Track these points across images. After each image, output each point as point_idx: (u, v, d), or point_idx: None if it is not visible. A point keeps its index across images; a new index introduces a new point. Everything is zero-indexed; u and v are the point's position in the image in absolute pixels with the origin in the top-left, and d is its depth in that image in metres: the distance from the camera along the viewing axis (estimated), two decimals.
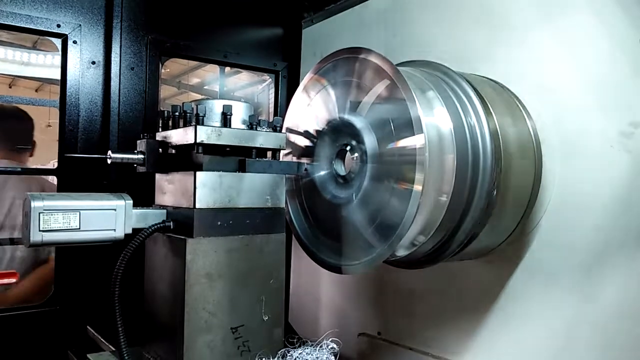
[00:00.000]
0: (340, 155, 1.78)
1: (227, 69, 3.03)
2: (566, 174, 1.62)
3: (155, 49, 2.56)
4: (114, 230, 1.64)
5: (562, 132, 1.63)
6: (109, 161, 1.74)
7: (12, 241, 2.87)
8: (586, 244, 1.55)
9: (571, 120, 1.61)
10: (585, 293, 1.55)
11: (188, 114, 1.72)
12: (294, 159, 1.94)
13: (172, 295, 1.68)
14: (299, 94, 1.95)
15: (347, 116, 1.73)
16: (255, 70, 3.07)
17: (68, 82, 2.38)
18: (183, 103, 1.75)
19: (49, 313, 2.37)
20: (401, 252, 1.62)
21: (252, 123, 1.76)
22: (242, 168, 1.71)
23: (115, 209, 1.63)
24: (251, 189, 1.73)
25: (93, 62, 2.44)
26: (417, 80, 1.64)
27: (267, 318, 1.74)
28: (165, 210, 1.76)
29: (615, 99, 1.51)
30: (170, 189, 1.77)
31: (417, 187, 1.43)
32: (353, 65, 1.70)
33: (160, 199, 1.84)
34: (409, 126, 1.46)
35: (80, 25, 2.39)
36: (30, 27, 2.28)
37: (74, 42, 2.38)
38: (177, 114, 1.80)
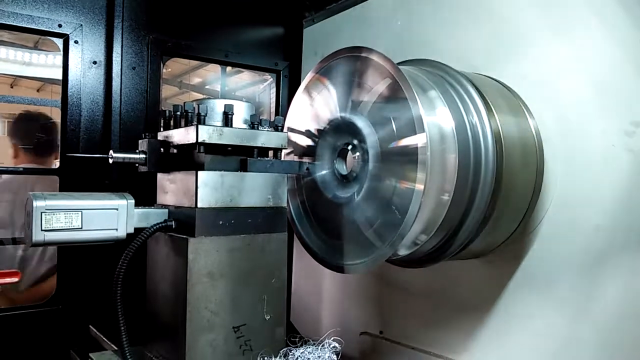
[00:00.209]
0: (342, 154, 1.79)
1: (229, 68, 3.03)
2: (568, 173, 1.62)
3: (157, 48, 2.56)
4: (116, 229, 1.64)
5: (564, 131, 1.63)
6: (110, 161, 1.74)
7: (15, 241, 2.87)
8: (587, 244, 1.55)
9: (573, 120, 1.61)
10: (586, 293, 1.55)
11: (189, 114, 1.72)
12: (296, 159, 1.95)
13: (174, 294, 1.68)
14: (300, 93, 1.95)
15: (348, 115, 1.73)
16: (256, 70, 3.08)
17: (70, 82, 2.38)
18: (184, 102, 1.75)
19: (52, 312, 2.37)
20: (403, 251, 1.62)
21: (254, 122, 1.76)
22: (243, 167, 1.71)
23: (117, 209, 1.64)
24: (253, 188, 1.73)
25: (94, 62, 2.45)
26: (418, 79, 1.64)
27: (269, 317, 1.75)
28: (167, 210, 1.76)
29: (617, 98, 1.51)
30: (172, 188, 1.77)
31: (419, 186, 1.43)
32: (354, 65, 1.70)
33: (162, 198, 1.84)
34: (411, 125, 1.46)
35: (81, 25, 2.40)
36: (32, 27, 2.29)
37: (76, 42, 2.38)
38: (178, 113, 1.80)
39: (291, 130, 1.95)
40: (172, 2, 2.64)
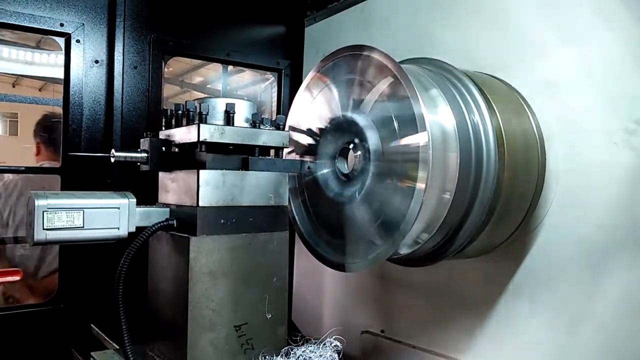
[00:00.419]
0: (343, 153, 1.78)
1: (230, 67, 3.03)
2: (569, 172, 1.61)
3: (158, 47, 2.57)
4: (118, 228, 1.64)
5: (566, 129, 1.63)
6: (112, 160, 1.74)
7: (16, 240, 2.88)
8: (590, 242, 1.54)
9: (575, 117, 1.60)
10: (587, 292, 1.54)
11: (191, 113, 1.72)
12: (297, 157, 1.95)
13: (176, 293, 1.68)
14: (301, 92, 1.95)
15: (350, 114, 1.72)
16: (258, 69, 3.08)
17: (71, 81, 2.39)
18: (186, 101, 1.75)
19: (53, 311, 2.38)
20: (404, 250, 1.62)
21: (255, 121, 1.76)
22: (245, 166, 1.71)
23: (118, 208, 1.64)
24: (254, 187, 1.73)
25: (96, 61, 2.45)
26: (420, 78, 1.64)
27: (270, 316, 1.75)
28: (168, 209, 1.76)
29: (619, 95, 1.50)
30: (173, 187, 1.77)
31: (420, 185, 1.43)
32: (356, 63, 1.70)
33: (163, 197, 1.84)
34: (412, 124, 1.46)
35: (83, 24, 2.40)
36: (34, 26, 2.29)
37: (77, 41, 2.39)
38: (180, 112, 1.80)
39: (292, 129, 1.95)
40: (173, 1, 2.64)
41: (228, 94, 3.10)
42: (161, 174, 1.87)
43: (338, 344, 1.71)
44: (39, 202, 1.51)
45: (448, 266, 1.85)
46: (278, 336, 1.77)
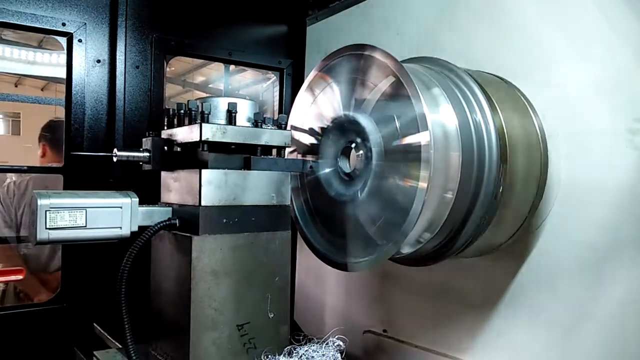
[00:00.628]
0: (345, 152, 1.78)
1: (232, 67, 3.03)
2: (572, 171, 1.61)
3: (160, 47, 2.57)
4: (120, 228, 1.64)
5: (568, 128, 1.62)
6: (114, 159, 1.74)
7: (19, 239, 2.89)
8: (592, 242, 1.54)
9: (577, 117, 1.60)
10: (590, 291, 1.54)
11: (193, 112, 1.72)
12: (299, 157, 1.95)
13: (178, 292, 1.68)
14: (303, 91, 1.95)
15: (352, 113, 1.72)
16: (259, 68, 3.08)
17: (73, 80, 2.39)
18: (188, 101, 1.75)
19: (56, 310, 2.38)
20: (406, 250, 1.62)
21: (257, 121, 1.76)
22: (247, 166, 1.71)
23: (121, 207, 1.64)
24: (256, 186, 1.73)
25: (98, 61, 2.45)
26: (422, 77, 1.64)
27: (272, 315, 1.75)
28: (170, 208, 1.76)
29: (622, 94, 1.50)
30: (175, 186, 1.77)
31: (422, 185, 1.42)
32: (358, 63, 1.69)
33: (165, 196, 1.85)
34: (414, 123, 1.46)
35: (85, 23, 2.40)
36: (36, 25, 2.30)
37: (79, 40, 2.39)
38: (182, 112, 1.80)
39: (294, 128, 1.95)
40: (175, 0, 2.64)
41: (230, 94, 3.10)
42: (163, 174, 1.87)
43: (341, 343, 1.71)
44: (41, 202, 1.51)
45: (450, 266, 1.85)
46: (280, 335, 1.77)
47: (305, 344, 1.73)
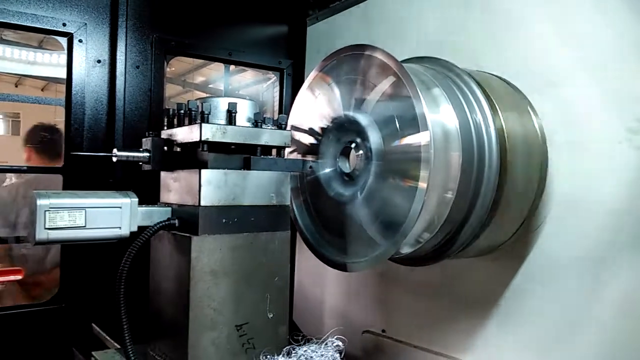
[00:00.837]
0: (345, 152, 1.78)
1: (232, 67, 3.03)
2: (572, 171, 1.61)
3: (161, 47, 2.57)
4: (120, 228, 1.64)
5: (569, 128, 1.62)
6: (114, 159, 1.74)
7: (18, 240, 2.89)
8: (592, 242, 1.54)
9: (577, 117, 1.60)
10: (590, 291, 1.54)
11: (193, 112, 1.72)
12: (299, 157, 1.94)
13: (177, 292, 1.68)
14: (303, 91, 1.95)
15: (352, 113, 1.72)
16: (260, 68, 3.08)
17: (74, 80, 2.39)
18: (188, 101, 1.75)
19: (55, 310, 2.38)
20: (406, 249, 1.62)
21: (257, 121, 1.76)
22: (247, 166, 1.71)
23: (120, 207, 1.64)
24: (256, 186, 1.73)
25: (98, 61, 2.45)
26: (422, 77, 1.64)
27: (271, 316, 1.74)
28: (170, 208, 1.76)
29: (622, 95, 1.50)
30: (175, 186, 1.77)
31: (422, 184, 1.42)
32: (358, 63, 1.69)
33: (165, 196, 1.84)
34: (414, 123, 1.45)
35: (85, 24, 2.40)
36: (36, 26, 2.30)
37: (80, 40, 2.39)
38: (182, 112, 1.80)
39: (294, 128, 1.95)
40: (176, 1, 2.64)
41: (230, 94, 3.10)
42: (163, 174, 1.87)
43: (340, 343, 1.70)
44: (40, 202, 1.51)
45: (450, 266, 1.85)
46: (279, 336, 1.77)
47: (304, 344, 1.73)
